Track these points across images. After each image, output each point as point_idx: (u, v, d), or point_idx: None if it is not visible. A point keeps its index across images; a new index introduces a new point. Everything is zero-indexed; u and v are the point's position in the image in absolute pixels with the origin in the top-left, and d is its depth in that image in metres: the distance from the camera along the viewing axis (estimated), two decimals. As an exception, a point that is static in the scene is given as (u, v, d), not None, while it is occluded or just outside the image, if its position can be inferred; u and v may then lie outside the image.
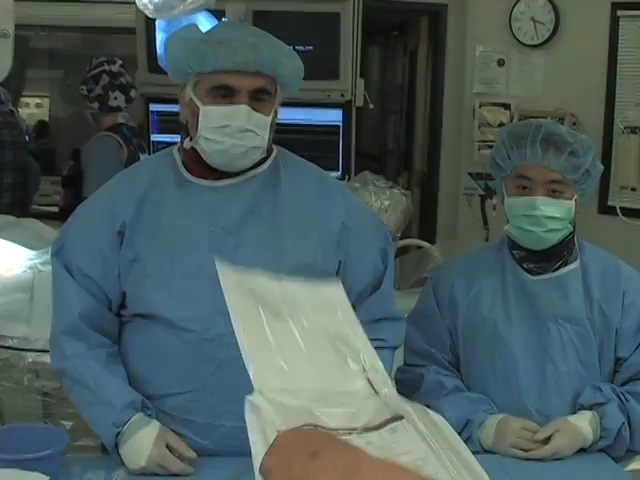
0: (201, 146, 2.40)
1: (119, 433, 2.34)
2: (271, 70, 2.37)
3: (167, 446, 2.33)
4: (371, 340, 1.94)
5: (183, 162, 2.51)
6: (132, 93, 5.16)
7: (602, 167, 2.77)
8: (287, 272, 2.39)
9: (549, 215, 2.66)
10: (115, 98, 5.05)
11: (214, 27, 2.50)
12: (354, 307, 2.46)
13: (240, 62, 2.32)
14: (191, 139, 2.43)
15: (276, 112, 2.47)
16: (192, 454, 2.35)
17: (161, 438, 2.33)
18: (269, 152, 2.52)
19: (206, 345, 2.36)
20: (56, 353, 2.49)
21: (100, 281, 2.45)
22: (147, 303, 2.42)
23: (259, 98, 2.38)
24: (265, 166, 2.51)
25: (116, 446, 2.35)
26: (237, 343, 2.35)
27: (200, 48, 2.34)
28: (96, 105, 5.01)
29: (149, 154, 5.52)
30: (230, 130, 2.35)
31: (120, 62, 5.13)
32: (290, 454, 1.04)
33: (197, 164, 2.46)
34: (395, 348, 2.64)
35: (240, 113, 2.34)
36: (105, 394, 2.38)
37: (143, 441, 2.32)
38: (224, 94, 2.36)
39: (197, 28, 2.45)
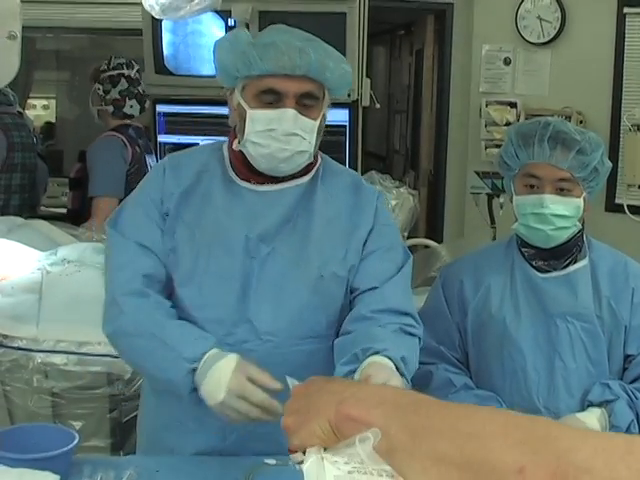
0: (248, 150, 2.40)
1: (194, 370, 2.21)
2: (318, 74, 2.35)
3: (249, 379, 2.18)
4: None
5: (230, 162, 2.51)
6: (146, 104, 5.18)
7: (610, 164, 2.78)
8: (311, 282, 2.41)
9: (557, 213, 2.67)
10: (131, 106, 5.05)
11: (264, 31, 2.47)
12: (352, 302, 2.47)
13: (287, 65, 2.31)
14: (239, 142, 2.43)
15: (324, 116, 2.46)
16: (277, 385, 2.13)
17: (240, 369, 2.19)
18: (315, 159, 2.52)
19: (227, 349, 2.31)
20: (109, 317, 2.40)
21: (160, 255, 2.44)
22: (177, 294, 2.44)
23: (306, 103, 2.37)
24: (309, 177, 2.51)
25: (195, 391, 2.23)
26: (257, 350, 2.32)
27: (247, 51, 2.33)
28: (110, 108, 5.01)
29: (157, 156, 5.52)
30: (276, 134, 2.35)
31: (137, 67, 5.14)
32: (311, 381, 1.28)
33: (244, 166, 2.47)
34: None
35: (286, 117, 2.34)
36: (171, 334, 2.29)
37: (221, 373, 2.18)
38: (271, 99, 2.35)
39: (245, 32, 2.44)
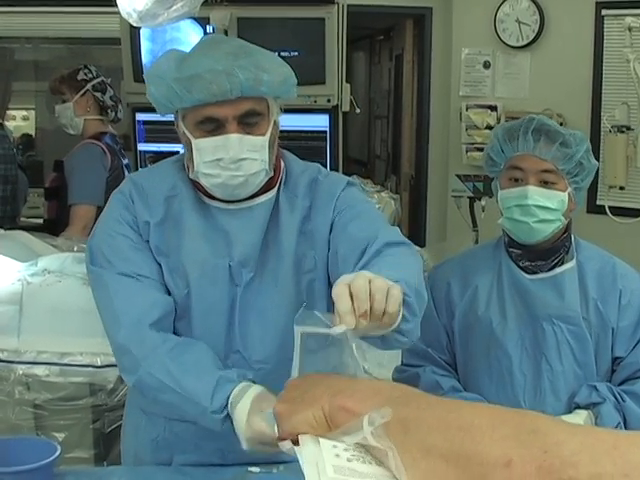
0: (201, 181, 2.33)
1: (228, 415, 2.12)
2: (252, 91, 2.25)
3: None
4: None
5: (194, 183, 2.41)
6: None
7: (597, 163, 2.77)
8: (292, 301, 2.34)
9: (540, 204, 2.66)
10: (120, 111, 5.11)
11: (188, 53, 2.33)
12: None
13: (217, 93, 2.22)
14: (192, 171, 2.34)
15: (276, 124, 2.36)
16: None
17: (254, 412, 2.07)
18: (277, 170, 2.44)
19: None
20: (127, 367, 2.28)
21: (161, 281, 2.35)
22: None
23: (249, 122, 2.28)
24: (274, 191, 2.42)
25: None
26: (251, 379, 2.19)
27: (174, 86, 2.24)
28: (112, 115, 5.03)
29: (137, 163, 5.51)
30: (224, 163, 2.27)
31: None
32: (307, 376, 1.36)
33: (205, 191, 2.39)
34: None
35: (231, 143, 2.25)
36: (190, 388, 2.16)
37: (237, 423, 2.09)
38: (212, 127, 2.27)
39: (172, 59, 2.30)
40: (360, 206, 2.44)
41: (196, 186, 2.40)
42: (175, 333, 2.33)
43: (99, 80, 5.00)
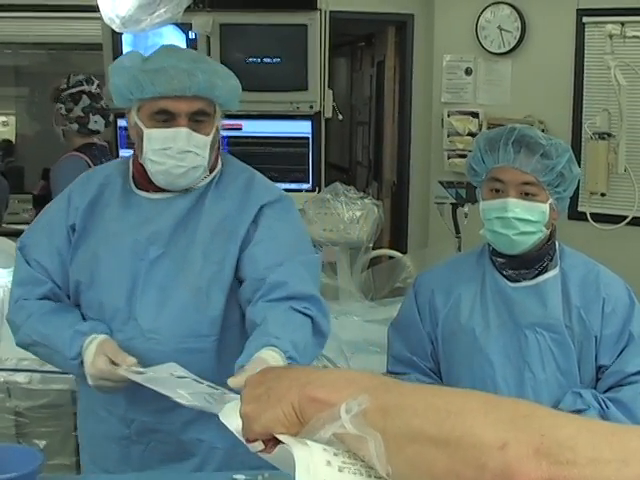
0: (147, 167, 2.56)
1: (81, 363, 2.43)
2: (207, 93, 2.51)
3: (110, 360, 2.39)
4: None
5: (133, 175, 2.67)
6: (111, 117, 5.13)
7: (579, 171, 2.76)
8: (193, 284, 2.54)
9: (521, 217, 2.66)
10: (95, 122, 4.99)
11: (152, 54, 2.59)
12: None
13: (177, 88, 2.46)
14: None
15: (217, 130, 2.61)
16: (132, 360, 2.37)
17: (99, 353, 2.39)
18: (213, 169, 2.65)
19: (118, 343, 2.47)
20: (12, 332, 2.66)
21: (56, 273, 2.62)
22: (85, 299, 2.61)
23: (198, 120, 2.52)
24: (203, 183, 2.63)
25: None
26: (142, 347, 2.48)
27: (138, 77, 2.47)
28: (75, 126, 4.95)
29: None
30: (171, 152, 2.50)
31: (97, 82, 5.08)
32: (267, 370, 1.27)
33: (144, 179, 2.62)
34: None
35: (180, 136, 2.49)
36: (53, 339, 2.51)
37: (86, 362, 2.40)
38: (165, 118, 2.50)
39: (137, 55, 2.57)
40: (277, 228, 2.61)
41: (136, 176, 2.65)
42: (86, 301, 2.60)
43: (75, 90, 4.96)
